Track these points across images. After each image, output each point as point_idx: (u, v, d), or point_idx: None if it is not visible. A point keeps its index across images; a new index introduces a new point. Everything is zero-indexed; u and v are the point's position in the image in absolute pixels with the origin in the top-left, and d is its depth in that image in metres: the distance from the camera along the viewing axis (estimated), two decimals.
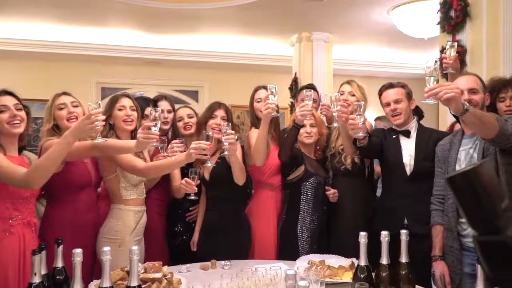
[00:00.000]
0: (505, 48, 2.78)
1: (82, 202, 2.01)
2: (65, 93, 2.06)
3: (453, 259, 1.85)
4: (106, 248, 1.22)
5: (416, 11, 4.28)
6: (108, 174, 2.06)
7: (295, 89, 5.27)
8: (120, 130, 2.13)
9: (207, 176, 2.30)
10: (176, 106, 2.76)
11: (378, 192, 2.65)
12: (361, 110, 1.97)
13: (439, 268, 1.88)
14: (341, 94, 2.47)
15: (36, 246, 1.39)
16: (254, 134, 2.34)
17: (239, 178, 2.21)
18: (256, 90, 2.50)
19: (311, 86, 3.06)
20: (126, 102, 2.14)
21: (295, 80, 5.47)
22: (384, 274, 1.40)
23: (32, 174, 1.64)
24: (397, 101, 2.22)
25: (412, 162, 2.18)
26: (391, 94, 2.24)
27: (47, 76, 5.72)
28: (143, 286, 1.45)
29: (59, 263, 1.42)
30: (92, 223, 2.03)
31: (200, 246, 2.32)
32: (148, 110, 2.27)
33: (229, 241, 2.19)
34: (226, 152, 2.04)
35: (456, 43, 2.21)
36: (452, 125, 2.56)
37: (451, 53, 2.07)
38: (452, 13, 3.01)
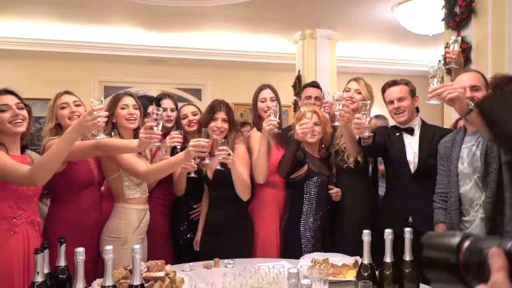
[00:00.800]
0: (511, 44, 2.75)
1: (85, 201, 2.01)
2: (67, 92, 2.06)
3: None
4: (109, 247, 1.21)
5: (420, 8, 4.25)
6: (111, 173, 2.07)
7: (298, 87, 5.25)
8: (122, 128, 2.13)
9: (210, 175, 2.30)
10: (180, 104, 2.77)
11: (381, 191, 2.64)
12: (367, 109, 1.95)
13: None
14: (347, 91, 2.45)
15: (39, 245, 1.39)
16: (256, 137, 2.34)
17: (240, 192, 2.16)
18: (260, 90, 2.48)
19: (314, 84, 3.05)
20: (128, 100, 2.13)
21: (298, 78, 5.44)
22: (388, 272, 1.39)
23: (36, 170, 1.64)
24: (400, 99, 2.20)
25: (416, 160, 2.16)
26: (395, 92, 2.22)
27: (49, 75, 5.72)
28: (145, 285, 1.45)
29: (62, 262, 1.43)
30: (95, 222, 2.03)
31: (203, 246, 2.31)
32: (150, 109, 2.27)
33: (232, 240, 2.18)
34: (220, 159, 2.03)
35: (460, 38, 2.20)
36: (456, 122, 2.54)
37: (455, 47, 2.06)
38: (457, 9, 2.99)
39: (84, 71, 6.01)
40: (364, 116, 1.94)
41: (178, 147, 2.27)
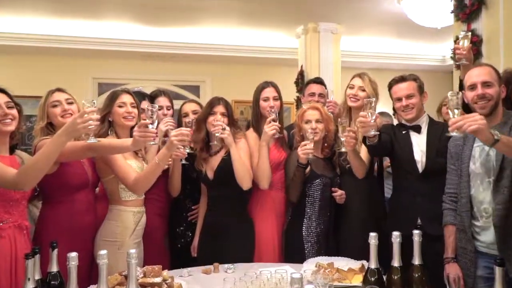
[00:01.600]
0: None
1: (79, 203, 1.95)
2: (59, 90, 1.99)
3: (466, 261, 1.78)
4: (103, 252, 1.17)
5: None
6: (106, 175, 2.01)
7: (301, 83, 5.17)
8: (119, 126, 2.07)
9: (210, 175, 2.24)
10: (178, 102, 2.70)
11: (387, 192, 2.57)
12: (372, 106, 1.88)
13: (453, 270, 1.80)
14: (351, 88, 2.39)
15: (28, 250, 1.35)
16: (252, 140, 2.30)
17: (240, 177, 2.13)
18: (263, 88, 2.42)
19: (318, 80, 2.97)
20: (126, 98, 2.08)
21: (301, 74, 5.36)
22: (396, 277, 1.33)
23: (23, 175, 1.59)
24: (409, 96, 2.13)
25: (424, 159, 2.10)
26: (403, 89, 2.14)
27: (41, 72, 5.57)
28: None
29: (54, 268, 1.39)
30: (90, 225, 1.98)
31: (201, 248, 2.26)
32: (144, 104, 2.20)
33: (232, 242, 2.14)
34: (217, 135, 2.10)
35: (470, 33, 2.16)
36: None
37: (465, 43, 2.03)
38: (467, 1, 2.91)
39: (77, 68, 5.86)
40: (370, 114, 1.87)
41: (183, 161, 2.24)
